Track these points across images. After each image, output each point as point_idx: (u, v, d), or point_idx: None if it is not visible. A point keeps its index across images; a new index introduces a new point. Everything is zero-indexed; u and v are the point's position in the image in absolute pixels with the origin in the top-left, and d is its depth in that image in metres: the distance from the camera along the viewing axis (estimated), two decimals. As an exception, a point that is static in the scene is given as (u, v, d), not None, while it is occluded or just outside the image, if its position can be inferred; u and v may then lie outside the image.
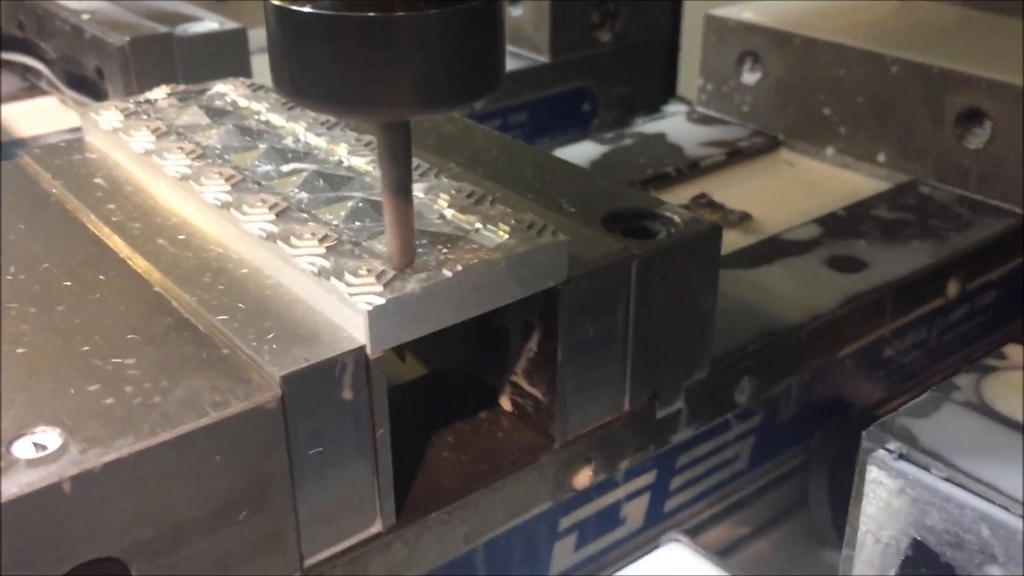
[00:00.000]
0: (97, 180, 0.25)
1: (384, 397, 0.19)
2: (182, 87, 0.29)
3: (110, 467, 0.16)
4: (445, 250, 0.20)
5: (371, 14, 0.16)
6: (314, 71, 0.17)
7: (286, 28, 0.17)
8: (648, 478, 0.25)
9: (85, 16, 0.39)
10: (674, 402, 0.24)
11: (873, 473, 0.16)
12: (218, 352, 0.18)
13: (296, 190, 0.23)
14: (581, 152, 0.39)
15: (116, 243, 0.22)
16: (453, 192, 0.22)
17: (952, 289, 0.30)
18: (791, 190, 0.37)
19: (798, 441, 0.28)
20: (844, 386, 0.29)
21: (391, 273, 0.19)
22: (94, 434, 0.16)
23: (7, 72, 0.44)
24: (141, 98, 0.28)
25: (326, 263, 0.19)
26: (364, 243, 0.20)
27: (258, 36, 0.41)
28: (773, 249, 0.31)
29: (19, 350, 0.19)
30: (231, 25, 0.39)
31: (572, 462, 0.23)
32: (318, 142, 0.25)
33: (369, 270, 0.19)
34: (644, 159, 0.38)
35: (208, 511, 0.17)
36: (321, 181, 0.23)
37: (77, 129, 0.41)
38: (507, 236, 0.20)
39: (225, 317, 0.19)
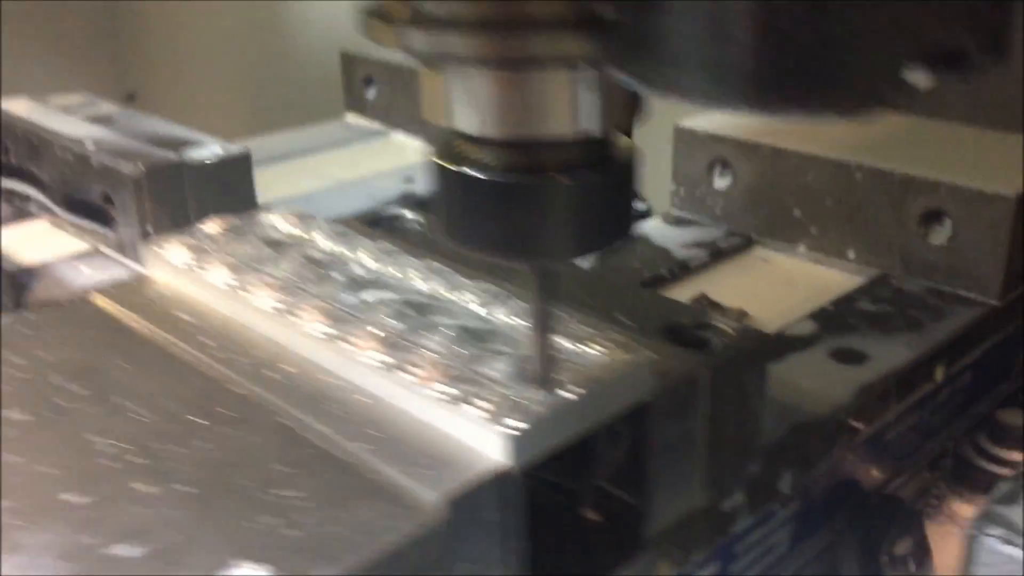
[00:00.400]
0: (183, 315, 0.26)
1: (522, 514, 0.21)
2: (231, 218, 0.30)
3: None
4: (559, 370, 0.22)
5: (530, 181, 0.19)
6: (476, 223, 0.19)
7: (451, 185, 0.19)
8: (714, 567, 0.27)
9: (90, 145, 0.40)
10: (735, 494, 0.26)
11: (983, 556, 0.19)
12: (368, 479, 0.20)
13: (389, 319, 0.24)
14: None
15: (226, 376, 0.23)
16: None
17: (939, 374, 0.34)
18: (774, 286, 0.40)
19: (826, 522, 0.31)
20: (859, 468, 0.32)
21: (521, 396, 0.21)
22: (299, 566, 0.17)
23: (-10, 197, 0.44)
24: (197, 231, 0.29)
25: (454, 390, 0.21)
26: (479, 368, 0.22)
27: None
28: (780, 345, 0.34)
29: (182, 488, 0.20)
30: (236, 149, 0.40)
31: (657, 559, 0.25)
32: (387, 269, 0.27)
33: (501, 395, 0.21)
34: (638, 262, 0.41)
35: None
36: (410, 310, 0.25)
37: (82, 254, 0.42)
38: (608, 354, 0.23)
39: (363, 444, 0.21)
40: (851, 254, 0.40)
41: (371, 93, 0.56)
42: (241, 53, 1.17)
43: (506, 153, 0.19)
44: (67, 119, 0.43)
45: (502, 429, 0.20)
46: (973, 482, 0.35)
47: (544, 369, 0.21)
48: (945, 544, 0.33)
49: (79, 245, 0.41)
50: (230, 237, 0.29)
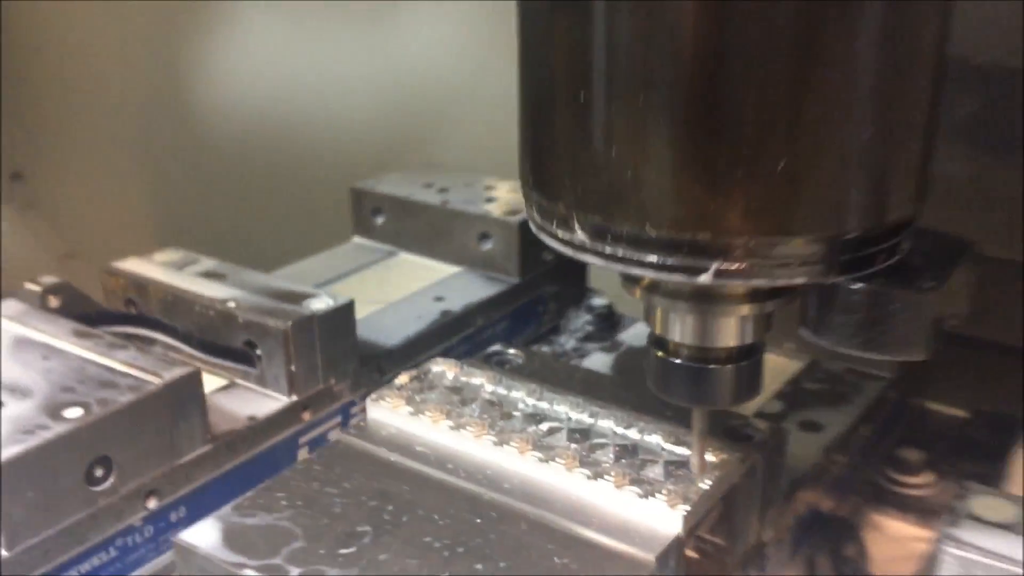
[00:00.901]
0: (421, 448, 0.39)
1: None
2: (412, 371, 0.43)
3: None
4: (683, 469, 0.37)
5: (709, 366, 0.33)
6: (675, 385, 0.34)
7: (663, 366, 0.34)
8: (756, 577, 0.42)
9: (231, 304, 0.51)
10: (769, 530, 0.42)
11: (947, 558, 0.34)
12: (604, 549, 0.34)
13: (569, 443, 0.38)
14: (599, 362, 0.57)
15: (476, 490, 0.37)
16: (651, 430, 0.39)
17: (866, 431, 0.51)
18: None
19: (806, 539, 0.47)
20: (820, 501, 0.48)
21: (677, 488, 0.35)
22: None
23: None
24: (396, 385, 0.42)
25: (639, 489, 0.35)
26: (644, 472, 0.36)
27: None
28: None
29: (500, 563, 0.33)
30: (343, 299, 0.53)
31: (737, 576, 0.40)
32: (543, 405, 0.41)
33: (668, 489, 0.35)
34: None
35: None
36: (577, 435, 0.39)
37: (226, 387, 0.52)
38: (711, 454, 0.37)
39: (593, 530, 0.35)
40: (790, 345, 0.57)
41: (379, 220, 0.69)
42: (136, 128, 1.23)
43: (696, 352, 0.34)
44: (195, 279, 0.54)
45: (679, 510, 0.35)
46: (886, 501, 0.51)
47: (702, 461, 0.36)
48: (874, 546, 0.50)
49: (218, 380, 0.52)
50: (421, 386, 0.42)
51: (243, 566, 0.33)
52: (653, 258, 0.31)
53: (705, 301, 0.33)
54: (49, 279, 0.54)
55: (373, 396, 0.41)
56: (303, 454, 0.51)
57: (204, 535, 0.35)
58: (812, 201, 0.29)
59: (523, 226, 0.63)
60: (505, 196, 0.67)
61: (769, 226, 0.29)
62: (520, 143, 0.34)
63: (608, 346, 0.60)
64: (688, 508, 0.35)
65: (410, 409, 0.40)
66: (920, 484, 0.50)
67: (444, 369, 0.43)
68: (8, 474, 0.39)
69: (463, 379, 0.43)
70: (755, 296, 0.33)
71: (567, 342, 0.65)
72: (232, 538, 0.35)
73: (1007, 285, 0.62)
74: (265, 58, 1.11)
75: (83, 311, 0.53)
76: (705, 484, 0.36)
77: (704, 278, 0.30)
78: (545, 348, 0.65)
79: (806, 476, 0.46)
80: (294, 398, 0.50)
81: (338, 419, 0.53)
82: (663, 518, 0.35)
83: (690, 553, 0.39)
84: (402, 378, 0.43)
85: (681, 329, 0.34)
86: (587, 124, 0.30)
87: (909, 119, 0.30)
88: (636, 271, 0.31)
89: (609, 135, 0.30)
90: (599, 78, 0.29)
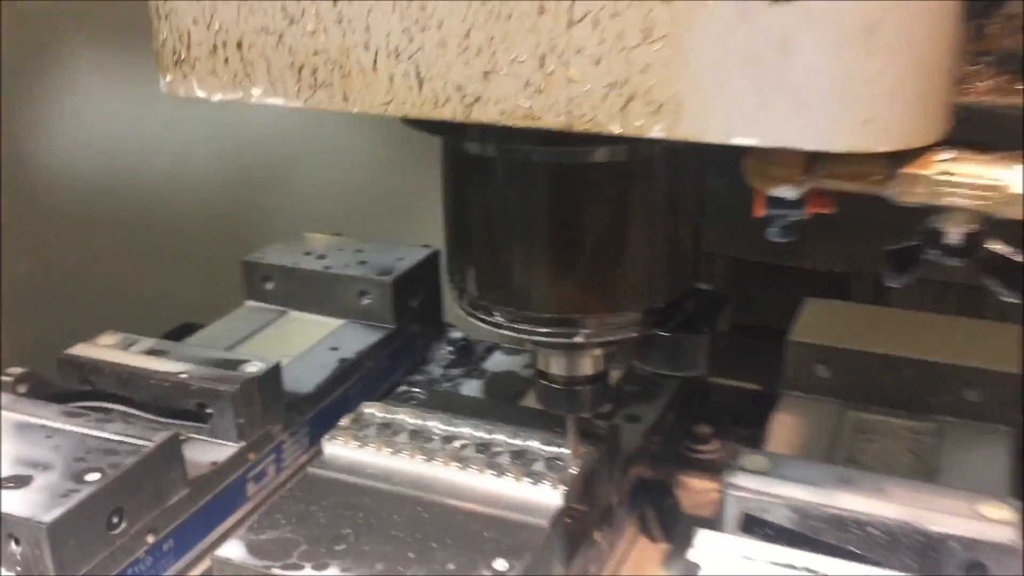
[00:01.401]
0: (372, 471, 0.54)
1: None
2: (351, 415, 0.58)
3: None
4: (557, 462, 0.54)
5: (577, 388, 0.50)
6: (557, 405, 0.51)
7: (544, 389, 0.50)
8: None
9: (183, 375, 0.64)
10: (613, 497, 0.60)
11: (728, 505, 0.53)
12: (513, 521, 0.50)
13: (477, 454, 0.54)
14: (472, 388, 0.73)
15: (422, 495, 0.52)
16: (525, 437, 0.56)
17: (670, 417, 0.70)
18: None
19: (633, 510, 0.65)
20: (648, 474, 0.66)
21: (557, 473, 0.52)
22: (487, 554, 0.48)
23: (77, 414, 0.66)
24: (341, 426, 0.57)
25: (530, 479, 0.52)
26: (533, 468, 0.53)
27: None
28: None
29: (437, 544, 0.49)
30: (272, 362, 0.67)
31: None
32: (452, 429, 0.57)
33: (551, 475, 0.52)
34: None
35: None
36: (482, 447, 0.55)
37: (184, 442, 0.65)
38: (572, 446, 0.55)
39: (500, 509, 0.51)
40: (608, 358, 0.75)
41: (269, 286, 0.83)
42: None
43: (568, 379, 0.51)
44: (143, 357, 0.66)
45: (560, 489, 0.52)
46: (688, 465, 0.71)
47: (575, 455, 0.53)
48: (684, 498, 0.69)
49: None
50: (360, 425, 0.57)
51: (270, 567, 0.48)
52: (544, 330, 0.48)
53: (573, 350, 0.50)
54: (16, 369, 0.65)
55: (327, 436, 0.56)
56: (251, 487, 0.65)
57: (234, 550, 0.49)
58: (633, 291, 0.47)
59: (395, 282, 0.78)
60: (374, 258, 0.82)
61: (609, 307, 0.47)
62: (451, 260, 0.51)
63: (475, 373, 0.76)
64: (566, 488, 0.52)
65: (357, 443, 0.56)
66: (710, 450, 0.69)
67: (373, 411, 0.59)
68: (55, 530, 0.51)
69: (389, 416, 0.58)
70: (602, 344, 0.51)
71: (435, 370, 0.82)
72: (254, 549, 0.49)
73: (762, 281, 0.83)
74: (105, 126, 1.20)
75: (50, 393, 0.65)
76: (574, 470, 0.53)
77: (576, 339, 0.48)
78: (419, 377, 0.80)
79: (634, 454, 0.64)
80: (243, 444, 0.64)
81: (274, 456, 0.67)
82: (550, 496, 0.52)
83: (566, 519, 0.56)
84: (344, 421, 0.58)
85: (558, 366, 0.51)
86: (497, 256, 0.47)
87: (684, 238, 0.49)
88: (534, 339, 0.48)
89: (511, 263, 0.47)
90: (502, 228, 0.47)
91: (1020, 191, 0.36)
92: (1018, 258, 0.39)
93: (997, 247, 0.40)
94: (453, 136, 0.50)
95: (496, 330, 0.51)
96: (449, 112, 0.41)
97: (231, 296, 0.85)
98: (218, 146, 1.21)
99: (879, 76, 0.33)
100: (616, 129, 0.38)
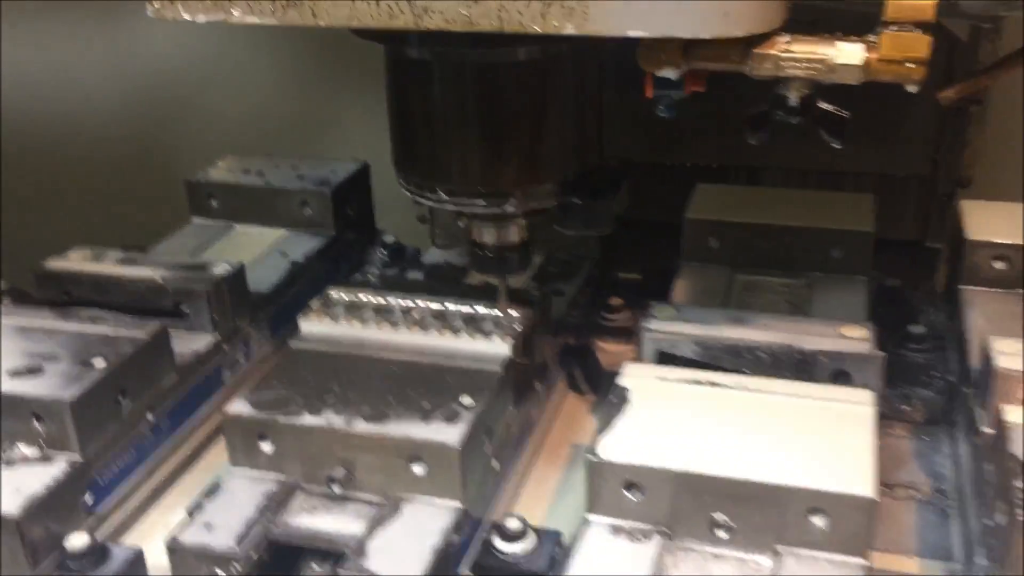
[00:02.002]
0: (346, 340, 0.63)
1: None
2: (320, 298, 0.67)
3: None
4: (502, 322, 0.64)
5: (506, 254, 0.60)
6: (488, 270, 0.61)
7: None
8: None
9: (158, 278, 0.72)
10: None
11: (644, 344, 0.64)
12: (464, 369, 0.60)
13: (435, 320, 0.64)
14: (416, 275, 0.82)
15: (393, 356, 0.62)
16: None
17: (586, 292, 0.81)
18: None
19: (563, 368, 0.76)
20: (573, 339, 0.77)
21: (503, 330, 0.63)
22: (450, 395, 0.58)
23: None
24: (312, 307, 0.66)
25: (481, 334, 0.62)
26: (482, 326, 0.63)
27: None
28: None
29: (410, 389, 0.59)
30: (237, 264, 0.75)
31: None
32: (409, 303, 0.66)
33: (499, 331, 0.62)
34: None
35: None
36: (439, 316, 0.65)
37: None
38: (516, 311, 0.65)
39: (463, 361, 0.61)
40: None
41: (214, 202, 0.90)
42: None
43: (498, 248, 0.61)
44: (116, 266, 0.73)
45: (508, 341, 0.62)
46: (605, 332, 0.82)
47: (504, 310, 0.64)
48: (603, 359, 0.80)
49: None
50: (329, 305, 0.66)
51: (274, 415, 0.57)
52: (480, 202, 0.58)
53: (503, 219, 0.61)
54: (3, 284, 0.72)
55: (301, 316, 0.65)
56: (226, 374, 0.74)
57: (240, 406, 0.58)
58: (549, 166, 0.59)
59: (333, 193, 0.87)
60: (310, 172, 0.90)
61: (532, 180, 0.58)
62: (398, 151, 0.61)
63: (411, 269, 0.86)
64: (513, 341, 0.62)
65: (329, 320, 0.65)
66: (622, 319, 0.81)
67: (339, 294, 0.68)
68: (77, 406, 0.59)
69: (353, 297, 0.68)
70: (527, 214, 0.61)
71: (373, 271, 0.91)
72: (258, 405, 0.58)
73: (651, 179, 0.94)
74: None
75: (34, 304, 0.72)
76: (518, 327, 0.64)
77: (506, 208, 0.58)
78: (359, 276, 0.89)
79: (560, 323, 0.75)
80: (217, 336, 0.72)
81: (242, 347, 0.76)
82: (500, 348, 0.62)
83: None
84: (314, 303, 0.67)
85: (490, 235, 0.62)
86: (438, 144, 0.58)
87: (588, 123, 0.60)
88: (473, 211, 0.58)
89: (450, 149, 0.57)
90: (441, 120, 0.56)
91: (840, 62, 0.48)
92: (842, 114, 0.52)
93: (826, 106, 0.52)
94: (397, 44, 0.59)
95: (439, 205, 0.60)
96: (402, 22, 0.50)
97: (164, 220, 0.91)
98: (124, 81, 1.26)
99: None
100: (538, 29, 0.48)
